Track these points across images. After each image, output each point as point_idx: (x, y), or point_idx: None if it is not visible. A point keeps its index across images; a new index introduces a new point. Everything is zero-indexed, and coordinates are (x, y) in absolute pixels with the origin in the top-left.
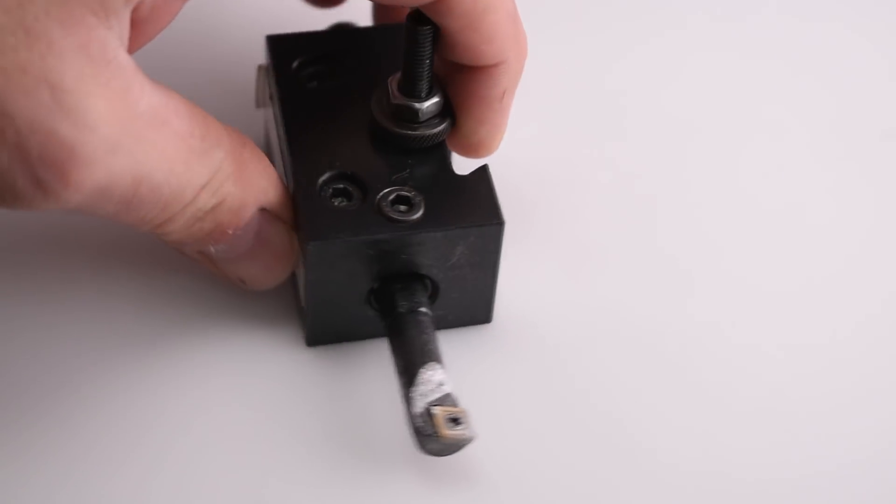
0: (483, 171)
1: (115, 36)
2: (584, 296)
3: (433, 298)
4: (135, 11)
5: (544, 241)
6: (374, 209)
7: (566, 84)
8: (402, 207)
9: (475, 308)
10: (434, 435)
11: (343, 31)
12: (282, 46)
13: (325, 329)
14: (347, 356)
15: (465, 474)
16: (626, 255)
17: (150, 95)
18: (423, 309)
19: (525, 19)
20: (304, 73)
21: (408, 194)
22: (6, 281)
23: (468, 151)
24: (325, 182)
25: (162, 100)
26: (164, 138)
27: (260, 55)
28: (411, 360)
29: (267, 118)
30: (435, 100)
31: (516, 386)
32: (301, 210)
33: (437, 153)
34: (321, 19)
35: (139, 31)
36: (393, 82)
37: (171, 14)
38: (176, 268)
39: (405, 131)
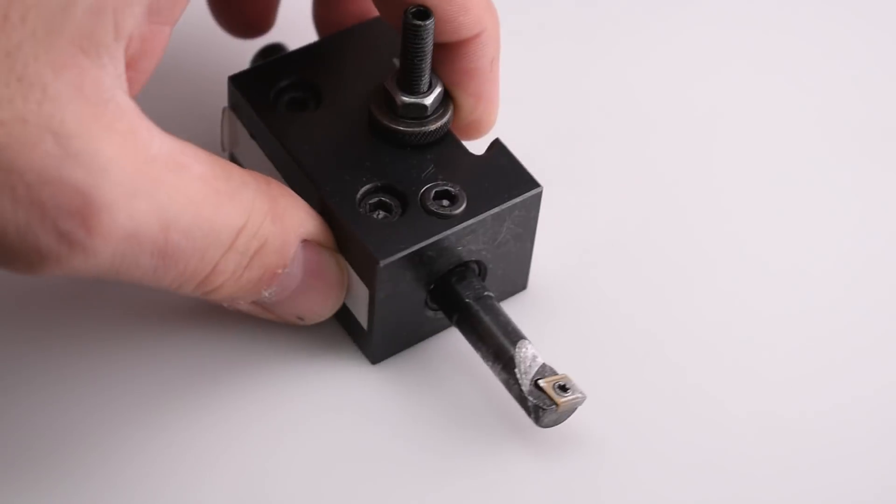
0: (499, 145)
1: (109, 75)
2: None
3: (482, 279)
4: (127, 48)
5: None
6: (421, 211)
7: (565, 83)
8: (445, 202)
9: (515, 278)
10: (552, 407)
11: (300, 52)
12: (248, 83)
13: (388, 344)
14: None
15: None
16: (628, 253)
17: (162, 139)
18: (487, 293)
19: (522, 19)
20: (282, 102)
21: (446, 188)
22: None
23: (469, 132)
24: (361, 199)
25: (176, 145)
26: (186, 182)
27: (218, 96)
28: (502, 345)
29: (241, 159)
30: (438, 90)
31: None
32: (354, 233)
33: (449, 141)
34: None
35: (135, 69)
36: (391, 83)
37: (162, 44)
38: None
39: (417, 129)
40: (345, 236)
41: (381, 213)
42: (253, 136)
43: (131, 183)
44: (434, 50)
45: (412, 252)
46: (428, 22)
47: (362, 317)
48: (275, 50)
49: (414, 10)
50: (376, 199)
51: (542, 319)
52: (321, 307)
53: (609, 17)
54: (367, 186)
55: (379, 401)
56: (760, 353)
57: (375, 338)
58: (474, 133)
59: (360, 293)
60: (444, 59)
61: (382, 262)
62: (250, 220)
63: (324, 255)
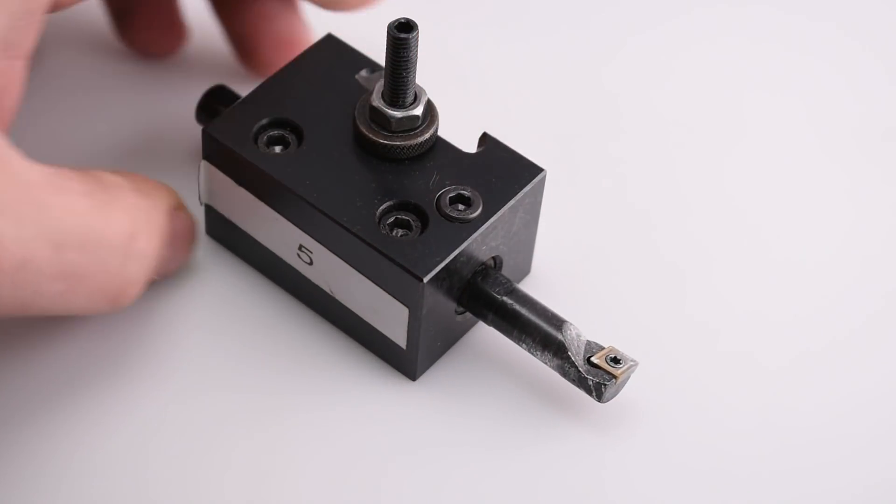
0: (489, 138)
1: None
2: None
3: (498, 272)
4: None
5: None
6: (441, 220)
7: (563, 83)
8: (462, 206)
9: (522, 264)
10: (612, 380)
11: (263, 89)
12: (226, 132)
13: (427, 358)
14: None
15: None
16: (626, 255)
17: (34, 166)
18: (515, 286)
19: (519, 18)
20: (262, 143)
21: (459, 192)
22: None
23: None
24: (379, 221)
25: (51, 169)
26: (70, 200)
27: (183, 147)
28: (547, 332)
29: (221, 208)
30: (425, 98)
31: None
32: (386, 257)
33: (441, 146)
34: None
35: None
36: (377, 100)
37: (19, 78)
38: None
39: (413, 141)
40: (376, 261)
41: (401, 232)
42: (239, 183)
43: (13, 212)
44: None
45: (449, 262)
46: (413, 34)
47: (399, 337)
48: (220, 91)
49: (397, 23)
50: (393, 218)
51: (552, 302)
52: (183, 261)
53: (609, 16)
54: (383, 206)
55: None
56: (758, 337)
57: (420, 355)
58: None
59: (395, 313)
60: None
61: (426, 279)
62: (138, 222)
63: (182, 215)
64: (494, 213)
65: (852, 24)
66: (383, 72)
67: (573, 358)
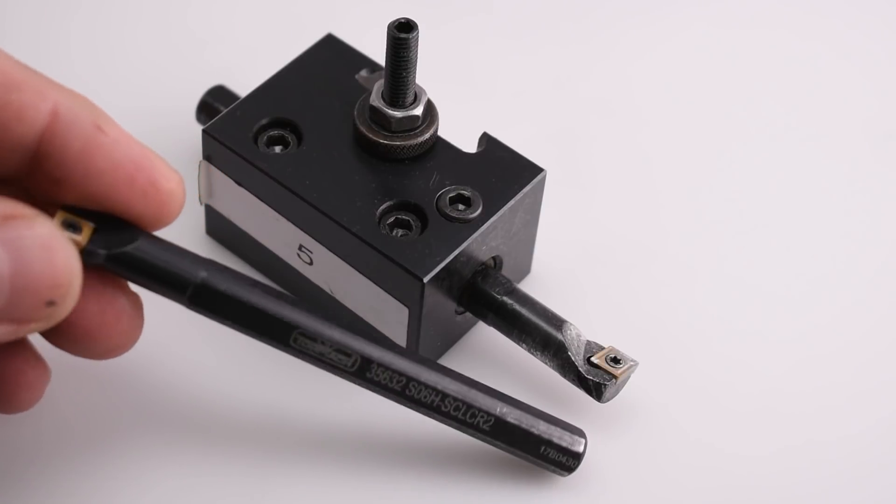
0: (489, 138)
1: None
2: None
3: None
4: None
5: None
6: (441, 220)
7: (563, 82)
8: (462, 206)
9: (523, 264)
10: (612, 380)
11: (262, 90)
12: (226, 132)
13: (430, 356)
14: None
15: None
16: (630, 236)
17: None
18: (515, 286)
19: (519, 17)
20: (261, 143)
21: (459, 191)
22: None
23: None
24: (379, 221)
25: None
26: None
27: (183, 147)
28: (547, 333)
29: (221, 208)
30: (425, 98)
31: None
32: (387, 257)
33: (440, 146)
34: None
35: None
36: (378, 100)
37: None
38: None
39: (413, 141)
40: (376, 261)
41: (401, 232)
42: (239, 183)
43: None
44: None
45: (449, 262)
46: (413, 34)
47: (399, 337)
48: (220, 91)
49: (397, 23)
50: (393, 218)
51: (552, 302)
52: (53, 272)
53: (609, 16)
54: (383, 207)
55: None
56: (759, 338)
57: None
58: (166, 208)
59: (395, 313)
60: (48, 164)
61: (426, 279)
62: None
63: (18, 224)
64: (494, 213)
65: (854, 20)
66: (383, 72)
67: (573, 358)
